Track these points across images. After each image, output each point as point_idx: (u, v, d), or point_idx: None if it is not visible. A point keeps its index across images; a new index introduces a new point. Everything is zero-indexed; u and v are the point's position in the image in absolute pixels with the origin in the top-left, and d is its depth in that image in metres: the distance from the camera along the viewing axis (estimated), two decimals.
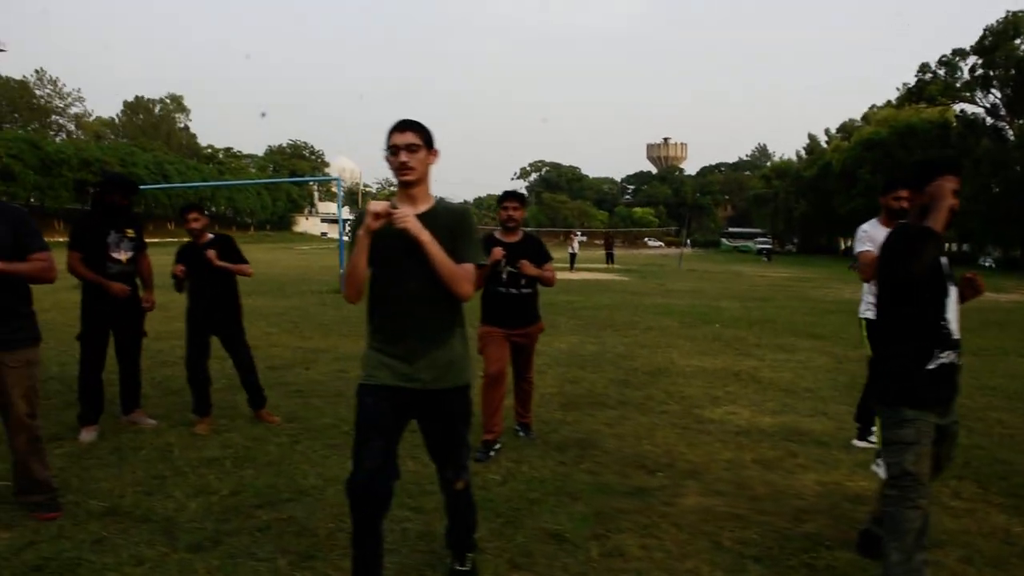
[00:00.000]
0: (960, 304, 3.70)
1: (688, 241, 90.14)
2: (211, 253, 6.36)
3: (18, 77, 78.23)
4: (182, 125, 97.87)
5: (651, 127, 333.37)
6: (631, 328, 13.88)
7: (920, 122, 56.83)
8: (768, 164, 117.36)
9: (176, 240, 24.92)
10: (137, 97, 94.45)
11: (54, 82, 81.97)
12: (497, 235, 6.14)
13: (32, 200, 57.84)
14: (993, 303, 21.09)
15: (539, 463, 5.68)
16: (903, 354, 3.58)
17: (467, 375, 3.48)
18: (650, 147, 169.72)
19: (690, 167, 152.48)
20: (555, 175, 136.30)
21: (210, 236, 6.54)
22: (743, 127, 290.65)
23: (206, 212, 6.66)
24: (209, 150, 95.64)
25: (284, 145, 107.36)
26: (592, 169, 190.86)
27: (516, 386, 6.38)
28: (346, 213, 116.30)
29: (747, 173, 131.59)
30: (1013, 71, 51.42)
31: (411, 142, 3.26)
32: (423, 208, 3.31)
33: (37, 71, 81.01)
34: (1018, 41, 51.61)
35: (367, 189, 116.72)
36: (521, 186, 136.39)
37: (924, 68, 61.99)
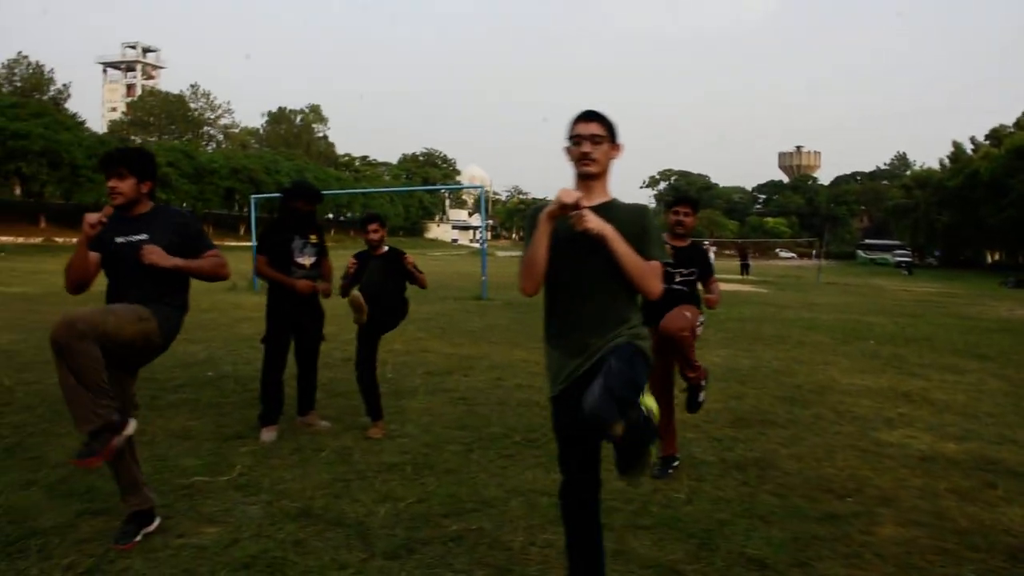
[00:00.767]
0: None
1: (815, 253, 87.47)
2: (409, 258, 6.51)
3: (176, 92, 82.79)
4: (321, 134, 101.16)
5: (783, 135, 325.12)
6: (781, 342, 13.49)
7: None
8: (908, 173, 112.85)
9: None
10: (280, 108, 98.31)
11: (207, 95, 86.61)
12: (665, 238, 5.98)
13: (184, 205, 60.74)
14: None
15: (721, 482, 5.52)
16: None
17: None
18: (782, 155, 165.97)
19: (824, 176, 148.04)
20: (684, 184, 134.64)
21: (386, 248, 6.63)
22: (880, 135, 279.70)
23: (385, 224, 6.76)
24: (346, 158, 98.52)
25: (417, 153, 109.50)
26: (722, 178, 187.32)
27: None
28: (477, 221, 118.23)
29: (884, 183, 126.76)
30: None
31: (595, 133, 3.19)
32: (598, 202, 3.22)
33: (192, 86, 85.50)
34: None
35: (496, 197, 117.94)
36: (649, 195, 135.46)
37: None
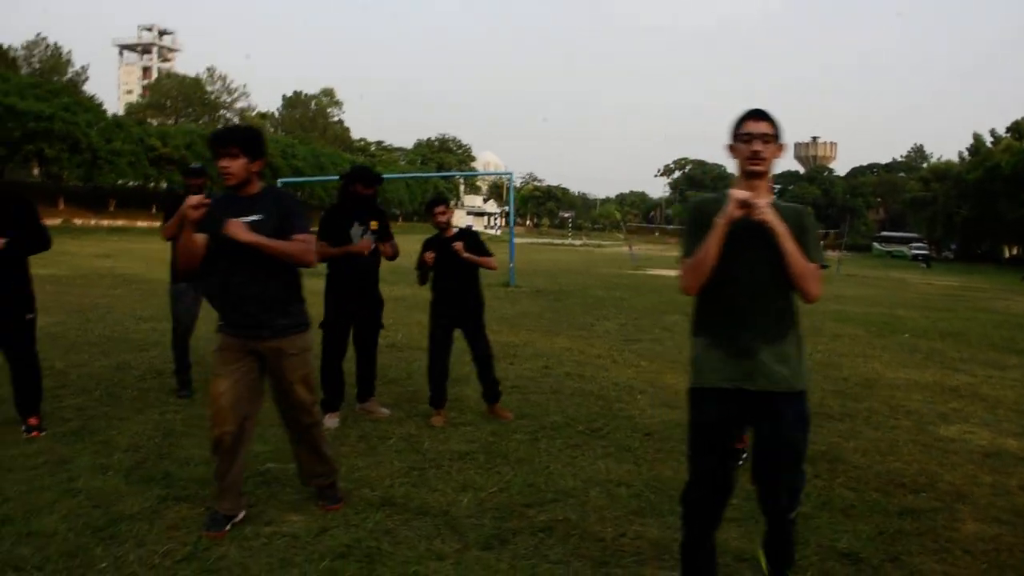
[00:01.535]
0: None
1: (839, 243, 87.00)
2: (458, 245, 6.38)
3: (192, 75, 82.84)
4: (336, 119, 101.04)
5: (799, 125, 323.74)
6: (818, 335, 13.36)
7: None
8: (925, 166, 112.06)
9: None
10: (295, 92, 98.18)
11: (223, 78, 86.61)
12: None
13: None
14: None
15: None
16: None
17: (804, 380, 3.26)
18: (798, 146, 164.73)
19: (840, 167, 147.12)
20: (699, 172, 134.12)
21: (455, 229, 6.56)
22: (897, 126, 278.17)
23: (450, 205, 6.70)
24: (361, 143, 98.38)
25: (432, 139, 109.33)
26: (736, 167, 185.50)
27: None
28: (492, 207, 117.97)
29: (901, 175, 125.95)
30: None
31: (766, 132, 3.14)
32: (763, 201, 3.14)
33: (209, 69, 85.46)
34: None
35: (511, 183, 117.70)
36: (664, 184, 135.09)
37: None
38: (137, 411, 6.29)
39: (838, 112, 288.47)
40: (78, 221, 48.91)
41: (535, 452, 5.67)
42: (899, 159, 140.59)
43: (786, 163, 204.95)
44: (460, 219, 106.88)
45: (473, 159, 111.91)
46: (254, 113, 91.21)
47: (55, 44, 76.74)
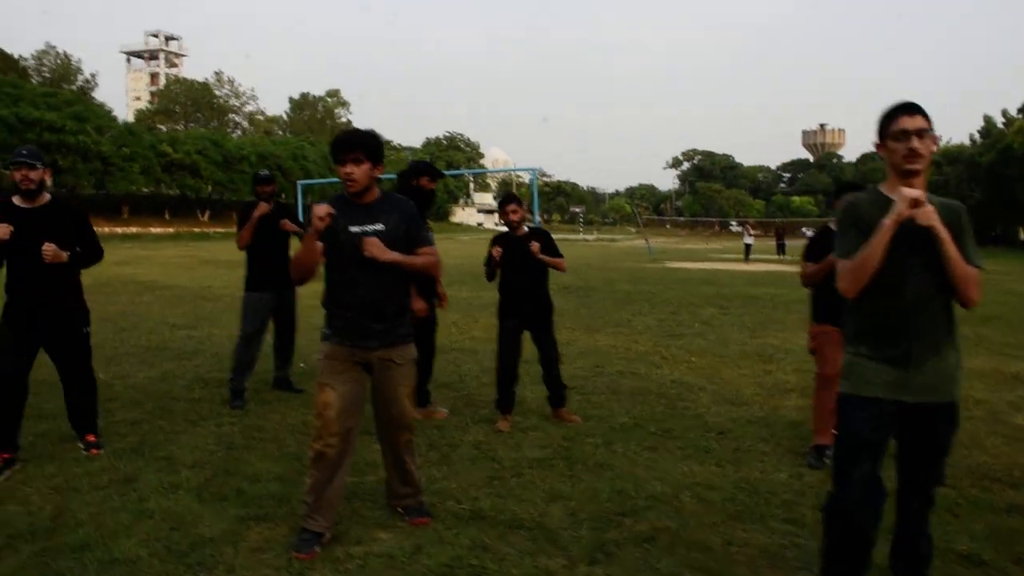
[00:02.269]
0: None
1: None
2: (535, 246, 6.13)
3: (200, 79, 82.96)
4: (344, 119, 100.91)
5: (806, 113, 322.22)
6: None
7: None
8: (935, 149, 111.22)
9: None
10: (302, 94, 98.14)
11: (231, 82, 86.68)
12: (833, 226, 5.62)
13: (211, 192, 60.79)
14: None
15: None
16: None
17: (959, 390, 3.10)
18: (805, 134, 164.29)
19: (848, 154, 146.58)
20: (708, 163, 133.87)
21: (527, 228, 6.32)
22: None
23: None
24: None
25: (441, 137, 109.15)
26: (745, 157, 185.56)
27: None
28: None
29: None
30: None
31: (921, 127, 2.96)
32: None
33: (217, 73, 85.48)
34: None
35: (519, 179, 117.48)
36: (672, 175, 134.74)
37: None
38: (192, 424, 6.07)
39: (846, 98, 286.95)
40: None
41: (612, 456, 5.43)
42: None
43: (794, 151, 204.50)
44: (471, 217, 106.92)
45: (481, 156, 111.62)
46: (263, 117, 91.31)
47: (64, 53, 76.96)
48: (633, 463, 5.29)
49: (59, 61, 75.87)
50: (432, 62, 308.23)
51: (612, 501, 4.56)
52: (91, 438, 5.41)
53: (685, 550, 3.92)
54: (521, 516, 4.28)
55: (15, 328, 5.09)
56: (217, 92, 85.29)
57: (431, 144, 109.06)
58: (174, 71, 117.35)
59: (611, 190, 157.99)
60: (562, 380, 6.49)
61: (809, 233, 75.41)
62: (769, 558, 3.86)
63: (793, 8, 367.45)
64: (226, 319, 12.05)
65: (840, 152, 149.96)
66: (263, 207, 6.82)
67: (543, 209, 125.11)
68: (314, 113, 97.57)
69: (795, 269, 26.72)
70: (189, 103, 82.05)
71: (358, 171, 3.81)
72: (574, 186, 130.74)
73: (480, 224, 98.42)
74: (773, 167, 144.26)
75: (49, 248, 4.94)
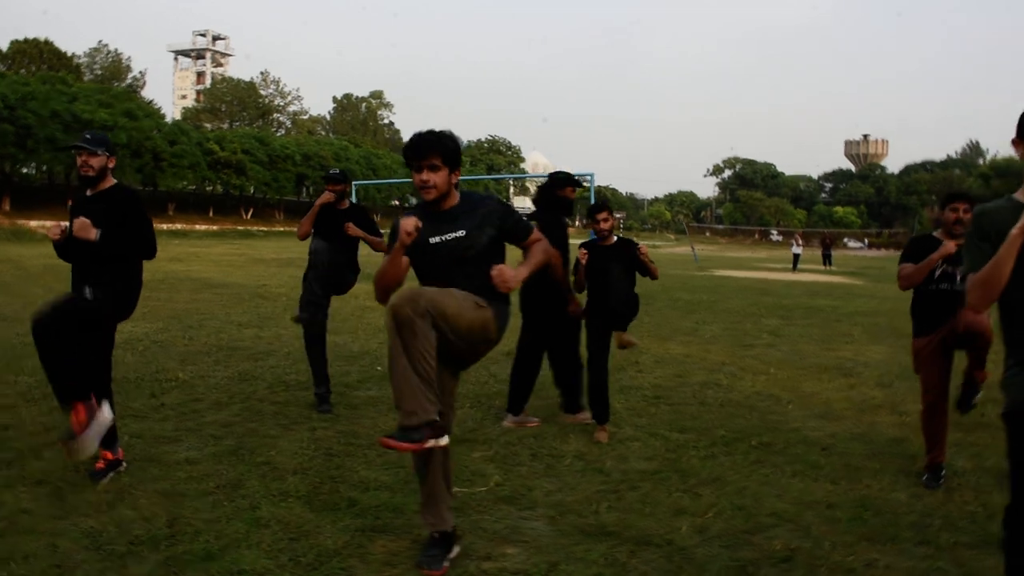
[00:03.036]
0: None
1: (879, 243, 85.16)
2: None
3: (243, 79, 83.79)
4: (386, 121, 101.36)
5: (848, 123, 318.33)
6: None
7: None
8: (982, 162, 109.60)
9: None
10: (345, 95, 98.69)
11: (276, 82, 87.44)
12: (937, 235, 5.42)
13: (254, 191, 61.19)
14: None
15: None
16: None
17: None
18: (848, 144, 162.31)
19: (891, 165, 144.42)
20: (749, 172, 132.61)
21: (615, 238, 6.14)
22: (950, 122, 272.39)
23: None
24: None
25: (483, 140, 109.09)
26: (787, 166, 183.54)
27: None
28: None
29: (957, 172, 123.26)
30: None
31: None
32: None
33: (262, 73, 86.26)
34: None
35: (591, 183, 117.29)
36: (712, 183, 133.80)
37: None
38: (284, 428, 5.95)
39: (888, 109, 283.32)
40: None
41: (722, 470, 5.24)
42: (953, 156, 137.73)
43: (836, 161, 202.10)
44: None
45: (522, 160, 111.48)
46: (307, 116, 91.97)
47: (115, 51, 78.06)
48: (745, 478, 5.10)
49: (110, 59, 77.00)
50: (472, 66, 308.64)
51: (736, 518, 4.38)
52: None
53: (828, 573, 3.73)
54: (648, 532, 4.11)
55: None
56: (263, 92, 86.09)
57: (472, 147, 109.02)
58: (220, 70, 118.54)
59: (650, 196, 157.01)
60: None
61: (853, 244, 74.34)
62: None
63: (832, 16, 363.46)
64: (287, 319, 11.99)
65: (883, 163, 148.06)
66: (327, 195, 6.61)
67: (581, 216, 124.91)
68: (357, 114, 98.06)
69: (842, 280, 26.53)
70: (235, 102, 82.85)
71: (435, 177, 3.61)
72: (614, 191, 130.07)
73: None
74: (815, 176, 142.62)
75: (79, 222, 4.56)
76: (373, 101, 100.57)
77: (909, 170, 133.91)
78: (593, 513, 4.37)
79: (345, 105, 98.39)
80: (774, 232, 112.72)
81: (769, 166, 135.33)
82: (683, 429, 6.25)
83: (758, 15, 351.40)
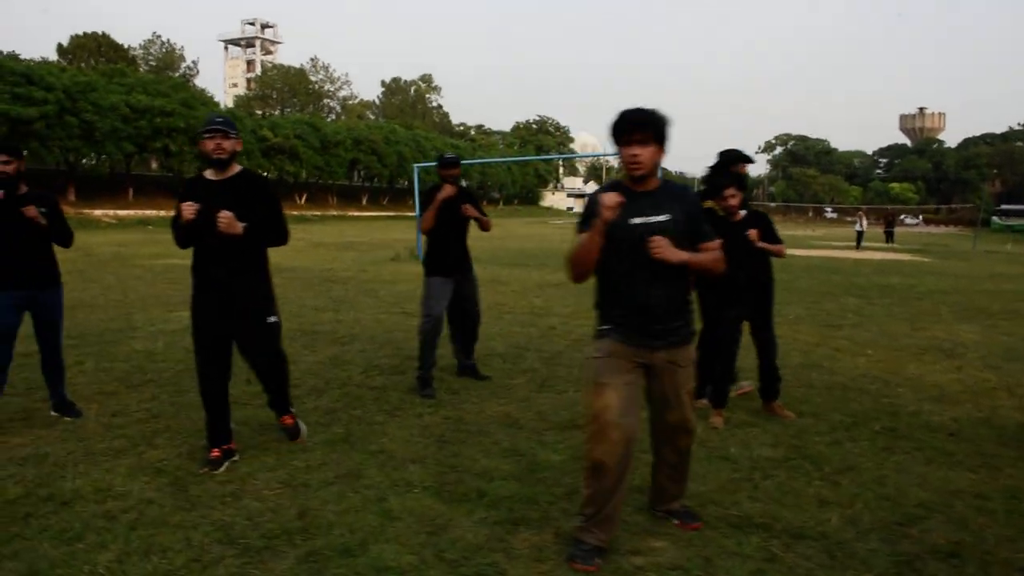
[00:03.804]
0: None
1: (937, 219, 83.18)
2: (753, 233, 5.66)
3: (296, 65, 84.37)
4: (435, 104, 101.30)
5: (902, 96, 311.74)
6: (1018, 316, 12.36)
7: None
8: None
9: None
10: (394, 79, 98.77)
11: (326, 68, 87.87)
12: None
13: (307, 177, 61.48)
14: None
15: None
16: None
17: None
18: (903, 118, 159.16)
19: (949, 138, 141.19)
20: (802, 148, 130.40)
21: (743, 213, 5.84)
22: (1012, 95, 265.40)
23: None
24: (461, 127, 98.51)
25: (531, 121, 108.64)
26: (840, 142, 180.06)
27: None
28: (593, 188, 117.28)
29: (1019, 144, 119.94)
30: None
31: None
32: None
33: (312, 59, 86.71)
34: None
35: (609, 164, 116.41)
36: (763, 160, 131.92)
37: None
38: (388, 414, 5.82)
39: (946, 81, 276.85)
40: None
41: (851, 457, 5.00)
42: (1017, 127, 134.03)
43: (891, 135, 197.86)
44: (560, 201, 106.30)
45: (571, 140, 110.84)
46: (356, 101, 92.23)
47: (168, 41, 78.96)
48: (879, 466, 4.85)
49: (164, 50, 77.92)
50: (522, 45, 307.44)
51: (882, 508, 4.16)
52: (288, 420, 5.17)
53: (1002, 570, 3.48)
54: (796, 524, 3.90)
55: (203, 321, 4.70)
56: (312, 78, 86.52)
57: (521, 128, 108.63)
58: (269, 58, 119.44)
59: (700, 174, 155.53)
60: (778, 373, 6.07)
61: (909, 221, 72.31)
62: None
63: None
64: (364, 303, 11.92)
65: (940, 136, 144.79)
66: (448, 189, 6.54)
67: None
68: (406, 98, 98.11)
69: (908, 258, 25.73)
70: (285, 88, 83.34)
71: (645, 153, 3.41)
72: (664, 170, 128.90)
73: (570, 208, 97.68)
74: (869, 152, 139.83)
75: (225, 216, 4.47)
76: (422, 84, 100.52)
77: (968, 143, 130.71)
78: (734, 504, 4.16)
79: (394, 89, 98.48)
80: (828, 209, 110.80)
81: (822, 142, 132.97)
82: (798, 413, 6.01)
83: None
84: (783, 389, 6.20)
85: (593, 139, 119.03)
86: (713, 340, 5.99)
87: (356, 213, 62.27)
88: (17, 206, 5.25)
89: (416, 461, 4.75)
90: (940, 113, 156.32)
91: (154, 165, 56.93)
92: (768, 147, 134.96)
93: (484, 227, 6.82)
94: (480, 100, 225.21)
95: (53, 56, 66.00)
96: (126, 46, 70.24)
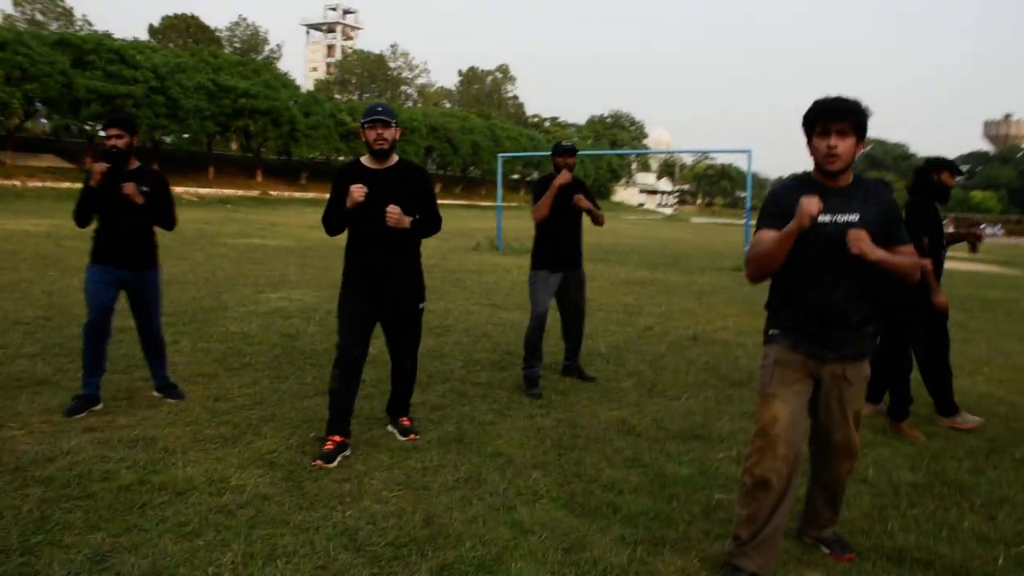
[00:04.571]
0: None
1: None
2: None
3: (376, 52, 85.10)
4: (510, 95, 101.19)
5: (986, 103, 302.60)
6: None
7: None
8: None
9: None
10: (471, 68, 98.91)
11: (405, 55, 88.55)
12: None
13: None
14: None
15: None
16: None
17: None
18: (987, 124, 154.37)
19: None
20: (880, 152, 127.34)
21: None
22: None
23: None
24: (536, 119, 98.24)
25: (605, 115, 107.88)
26: (920, 147, 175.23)
27: None
28: (665, 184, 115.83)
29: None
30: None
31: None
32: None
33: (392, 46, 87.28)
34: None
35: (682, 161, 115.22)
36: None
37: None
38: (498, 413, 5.58)
39: None
40: (273, 193, 50.49)
41: (1000, 488, 4.60)
42: None
43: (974, 143, 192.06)
44: (632, 196, 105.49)
45: (646, 136, 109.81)
46: (435, 89, 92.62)
47: (253, 24, 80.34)
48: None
49: (249, 32, 79.19)
50: (599, 41, 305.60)
51: None
52: (406, 422, 5.04)
53: None
54: (960, 562, 3.56)
55: (355, 303, 4.69)
56: (391, 64, 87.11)
57: (595, 122, 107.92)
58: (349, 43, 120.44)
59: (774, 175, 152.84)
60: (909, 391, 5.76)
61: (989, 230, 70.23)
62: None
63: None
64: (453, 293, 11.74)
65: None
66: (565, 175, 6.27)
67: (704, 192, 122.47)
68: (483, 87, 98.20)
69: (997, 270, 24.76)
70: (364, 74, 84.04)
71: (843, 145, 3.11)
72: (738, 170, 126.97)
73: (641, 204, 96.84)
74: (951, 159, 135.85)
75: (394, 211, 4.50)
76: (499, 75, 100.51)
77: None
78: (885, 534, 3.83)
79: (471, 78, 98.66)
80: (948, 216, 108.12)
81: (901, 147, 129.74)
82: (928, 434, 5.62)
83: None
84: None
85: (667, 136, 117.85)
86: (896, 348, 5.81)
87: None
88: (122, 182, 5.13)
89: (538, 467, 4.49)
90: None
91: (233, 146, 57.78)
92: None
93: (597, 221, 6.58)
94: (555, 93, 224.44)
95: (144, 36, 67.54)
96: (213, 28, 71.62)
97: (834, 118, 3.10)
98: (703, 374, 7.12)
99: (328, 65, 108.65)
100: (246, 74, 47.93)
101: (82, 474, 4.06)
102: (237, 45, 76.92)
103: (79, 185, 39.03)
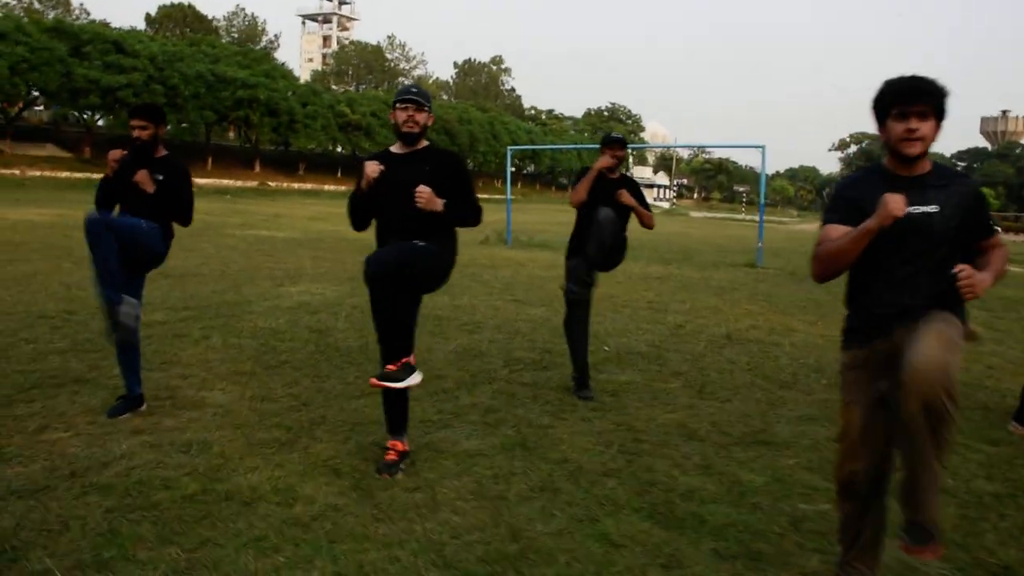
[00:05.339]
0: None
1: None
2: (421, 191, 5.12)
3: (373, 43, 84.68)
4: (507, 87, 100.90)
5: (983, 99, 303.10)
6: None
7: None
8: None
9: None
10: (467, 60, 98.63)
11: (402, 46, 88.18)
12: None
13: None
14: None
15: None
16: None
17: None
18: (984, 120, 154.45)
19: None
20: (877, 148, 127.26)
21: None
22: None
23: None
24: (532, 111, 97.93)
25: (602, 108, 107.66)
26: None
27: None
28: (662, 178, 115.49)
29: None
30: None
31: None
32: None
33: (389, 37, 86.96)
34: None
35: (678, 155, 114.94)
36: (835, 158, 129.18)
37: None
38: (554, 416, 5.41)
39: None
40: (272, 183, 50.21)
41: None
42: None
43: (971, 139, 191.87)
44: None
45: (642, 129, 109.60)
46: (431, 81, 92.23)
47: (252, 14, 79.94)
48: None
49: (247, 22, 78.76)
50: (594, 33, 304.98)
51: None
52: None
53: None
54: None
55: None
56: (388, 55, 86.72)
57: (591, 115, 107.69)
58: (345, 34, 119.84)
59: (771, 171, 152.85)
60: None
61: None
62: None
63: None
64: (474, 288, 11.56)
65: (1023, 141, 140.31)
66: (605, 159, 5.96)
67: (701, 186, 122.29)
68: (479, 79, 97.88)
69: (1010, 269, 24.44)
70: (361, 65, 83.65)
71: (924, 127, 2.89)
72: (735, 164, 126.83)
73: None
74: (947, 155, 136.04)
75: (424, 191, 4.12)
76: (494, 67, 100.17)
77: None
78: (981, 547, 3.68)
79: (467, 70, 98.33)
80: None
81: None
82: (990, 440, 5.48)
83: None
84: (971, 407, 5.75)
85: (663, 129, 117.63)
86: None
87: None
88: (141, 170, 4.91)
89: (610, 475, 4.34)
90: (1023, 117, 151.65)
91: (231, 135, 57.44)
92: (842, 145, 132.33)
93: (644, 221, 6.11)
94: (551, 85, 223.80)
95: (141, 25, 67.11)
96: (211, 17, 71.20)
97: (914, 99, 2.89)
98: (748, 375, 6.97)
99: (324, 56, 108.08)
100: (245, 64, 47.57)
101: (141, 481, 3.90)
102: (235, 34, 76.51)
103: (78, 175, 38.69)
